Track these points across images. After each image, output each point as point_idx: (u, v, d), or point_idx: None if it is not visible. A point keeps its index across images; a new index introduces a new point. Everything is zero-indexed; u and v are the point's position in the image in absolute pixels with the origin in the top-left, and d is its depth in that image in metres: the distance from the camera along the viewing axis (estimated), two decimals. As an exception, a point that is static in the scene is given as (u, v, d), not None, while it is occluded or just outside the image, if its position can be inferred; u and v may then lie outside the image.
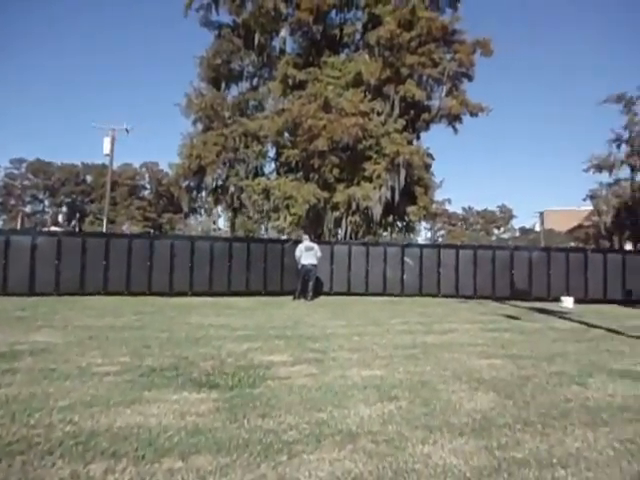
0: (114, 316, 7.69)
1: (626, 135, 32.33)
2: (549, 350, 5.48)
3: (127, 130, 28.38)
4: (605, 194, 34.42)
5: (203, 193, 19.89)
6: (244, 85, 20.12)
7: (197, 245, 12.32)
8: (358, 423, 3.01)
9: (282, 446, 2.64)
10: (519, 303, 11.89)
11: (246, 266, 12.51)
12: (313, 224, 16.82)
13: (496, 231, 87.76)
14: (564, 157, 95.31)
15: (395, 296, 12.74)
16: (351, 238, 16.73)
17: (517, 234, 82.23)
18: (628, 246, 31.97)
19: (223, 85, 19.60)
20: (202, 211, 24.48)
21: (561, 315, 9.35)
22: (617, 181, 33.69)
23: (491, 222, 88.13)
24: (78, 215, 61.82)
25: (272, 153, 19.67)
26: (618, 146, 32.61)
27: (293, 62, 18.43)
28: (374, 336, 6.22)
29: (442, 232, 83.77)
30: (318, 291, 12.36)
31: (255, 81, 20.44)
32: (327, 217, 16.88)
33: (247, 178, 18.24)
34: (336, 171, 16.56)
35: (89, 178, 71.95)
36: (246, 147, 18.09)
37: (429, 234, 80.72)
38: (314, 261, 11.59)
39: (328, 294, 12.79)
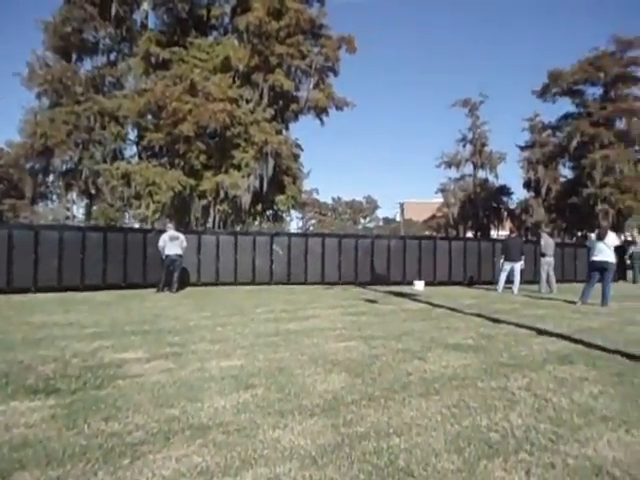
0: None
1: (470, 136, 36.64)
2: (399, 329, 5.99)
3: (-48, 100, 24.01)
4: (453, 188, 38.66)
5: (51, 177, 17.78)
6: (100, 59, 18.41)
7: (43, 235, 10.98)
8: (211, 415, 2.96)
9: (125, 449, 2.48)
10: (379, 287, 12.79)
11: (103, 257, 11.52)
12: (179, 212, 16.13)
13: (363, 220, 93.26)
14: (423, 152, 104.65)
15: (264, 285, 12.83)
16: (219, 227, 16.40)
17: (381, 223, 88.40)
18: (470, 234, 36.32)
19: (74, 57, 17.66)
20: (53, 197, 21.94)
21: (413, 297, 10.29)
22: (462, 177, 38.07)
23: (358, 212, 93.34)
24: None
25: (133, 135, 18.34)
26: (464, 145, 36.86)
27: (156, 39, 17.33)
28: (238, 326, 6.18)
29: (313, 221, 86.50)
30: (185, 282, 11.91)
31: (113, 56, 18.81)
32: (194, 205, 16.32)
33: (104, 162, 16.77)
34: (203, 158, 16.06)
35: None
36: (102, 128, 16.60)
37: (301, 223, 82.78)
38: (179, 251, 11.11)
39: (195, 285, 12.40)
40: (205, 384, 3.59)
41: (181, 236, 11.30)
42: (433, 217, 48.06)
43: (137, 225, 17.15)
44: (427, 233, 45.28)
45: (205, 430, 2.73)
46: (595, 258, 9.15)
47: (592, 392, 3.43)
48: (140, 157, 17.85)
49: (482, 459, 2.37)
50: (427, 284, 13.07)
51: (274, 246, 13.37)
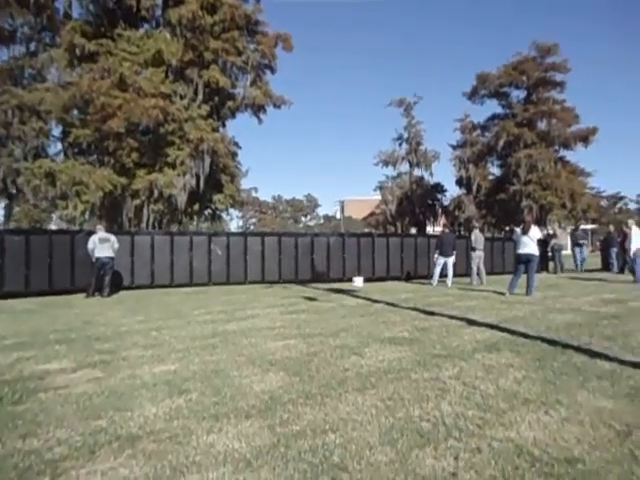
0: None
1: (406, 135, 37.74)
2: (337, 326, 6.05)
3: None
4: (390, 186, 39.67)
5: (-38, 176, 16.34)
6: (18, 49, 17.09)
7: (-47, 239, 10.07)
8: (141, 424, 2.83)
9: (45, 467, 2.32)
10: (319, 285, 12.86)
11: (25, 262, 10.73)
12: (110, 213, 15.36)
13: (303, 219, 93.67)
14: (362, 151, 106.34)
15: (202, 286, 12.53)
16: (154, 228, 15.79)
17: (322, 221, 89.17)
18: (414, 230, 37.31)
19: (-13, 46, 16.31)
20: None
21: (352, 293, 10.43)
22: (399, 175, 39.17)
23: (299, 210, 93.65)
24: None
25: (57, 132, 17.23)
26: (400, 144, 37.92)
27: (81, 30, 16.38)
28: (173, 329, 5.98)
29: (253, 220, 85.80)
30: (117, 286, 11.37)
31: (33, 46, 17.55)
32: (126, 205, 15.58)
33: (25, 159, 15.61)
34: (135, 155, 15.36)
35: None
36: (22, 123, 15.45)
37: (241, 222, 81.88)
38: (110, 253, 10.60)
39: (129, 288, 11.87)
40: (136, 392, 3.43)
41: (112, 237, 10.78)
42: (372, 214, 49.06)
43: (68, 227, 16.10)
44: (367, 230, 46.14)
45: (134, 440, 2.61)
46: (520, 251, 9.72)
47: (516, 377, 3.64)
48: (66, 155, 16.78)
49: (414, 449, 2.44)
50: (366, 280, 13.26)
51: (212, 246, 13.08)
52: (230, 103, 18.26)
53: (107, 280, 10.51)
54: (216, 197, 17.14)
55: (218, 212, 18.68)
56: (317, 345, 4.89)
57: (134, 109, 14.45)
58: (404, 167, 38.43)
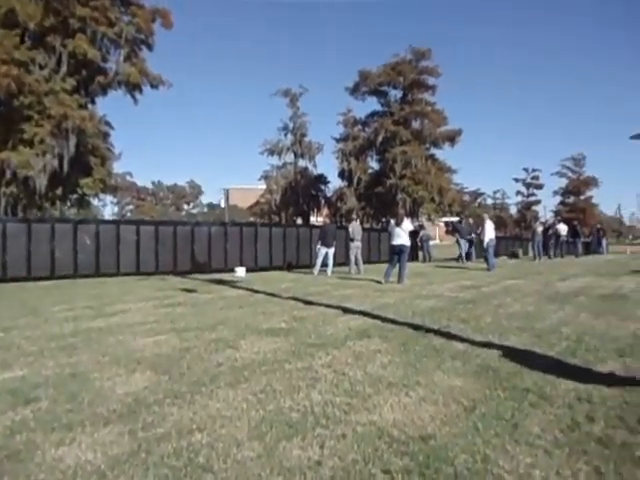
0: None
1: (291, 126, 38.07)
2: (215, 319, 5.88)
3: None
4: (275, 175, 39.80)
5: None
6: None
7: None
8: (-28, 444, 2.45)
9: None
10: (199, 276, 12.44)
11: None
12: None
13: (186, 206, 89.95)
14: (247, 139, 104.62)
15: (67, 278, 11.38)
16: (7, 214, 13.89)
17: (205, 210, 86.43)
18: (300, 221, 37.86)
19: None
20: None
21: (233, 284, 10.26)
22: (284, 165, 39.48)
23: (181, 197, 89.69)
24: None
25: None
26: (285, 135, 38.19)
27: None
28: (25, 329, 5.32)
29: (131, 207, 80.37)
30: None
31: None
32: (-29, 187, 13.48)
33: None
34: (-18, 130, 13.32)
35: None
36: None
37: (116, 209, 76.29)
38: (-53, 243, 9.09)
39: (-26, 283, 10.34)
40: (-31, 405, 2.97)
41: (-50, 224, 9.26)
42: (257, 203, 48.78)
43: None
44: (252, 219, 45.76)
45: (-38, 463, 2.24)
46: (394, 242, 10.40)
47: (382, 362, 3.85)
48: None
49: (282, 441, 2.44)
50: (249, 270, 13.11)
51: (79, 234, 11.92)
52: (100, 78, 16.62)
53: (-57, 274, 9.01)
54: (84, 181, 15.51)
55: (87, 197, 16.99)
56: (191, 340, 4.70)
57: (-20, 76, 12.46)
58: (289, 157, 38.89)
